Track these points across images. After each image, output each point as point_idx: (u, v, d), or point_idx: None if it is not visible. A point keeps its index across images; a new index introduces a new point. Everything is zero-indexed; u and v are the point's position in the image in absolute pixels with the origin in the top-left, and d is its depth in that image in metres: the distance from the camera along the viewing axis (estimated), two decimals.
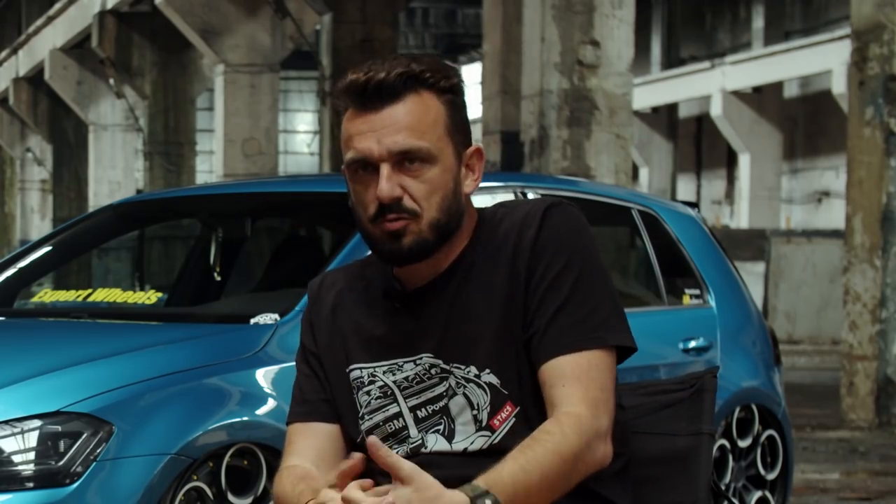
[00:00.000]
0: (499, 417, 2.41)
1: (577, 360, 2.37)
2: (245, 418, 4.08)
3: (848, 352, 11.36)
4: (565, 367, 2.37)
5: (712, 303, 5.78)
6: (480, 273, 2.44)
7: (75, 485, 3.75)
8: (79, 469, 3.76)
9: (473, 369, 2.41)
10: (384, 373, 2.47)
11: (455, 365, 2.42)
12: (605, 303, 2.41)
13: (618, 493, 2.47)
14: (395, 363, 2.46)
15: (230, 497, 4.05)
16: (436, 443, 2.44)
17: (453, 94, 2.43)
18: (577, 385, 2.36)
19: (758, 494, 5.77)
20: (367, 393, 2.48)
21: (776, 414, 5.84)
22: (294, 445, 2.53)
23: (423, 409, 2.44)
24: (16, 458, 3.74)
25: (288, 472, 2.48)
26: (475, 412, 2.42)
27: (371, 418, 2.47)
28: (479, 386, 2.41)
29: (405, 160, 2.37)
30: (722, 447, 5.62)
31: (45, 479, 3.74)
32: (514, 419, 2.41)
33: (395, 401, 2.46)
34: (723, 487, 5.53)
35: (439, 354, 2.43)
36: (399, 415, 2.46)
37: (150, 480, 3.85)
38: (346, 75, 2.42)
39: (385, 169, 2.37)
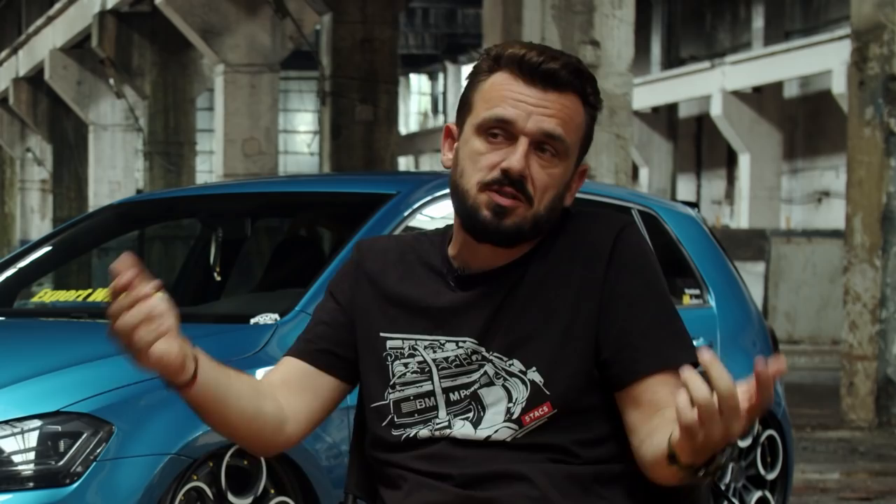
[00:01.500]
0: (531, 414, 2.40)
1: (673, 379, 2.35)
2: None
3: (848, 352, 11.36)
4: (665, 384, 2.36)
5: (712, 303, 5.78)
6: (543, 272, 2.43)
7: (75, 485, 3.75)
8: (79, 469, 3.76)
9: (518, 364, 2.40)
10: (425, 348, 2.45)
11: (496, 354, 2.41)
12: (681, 322, 2.45)
13: (620, 494, 2.47)
14: (437, 340, 2.44)
15: (230, 497, 4.05)
16: (462, 427, 2.43)
17: (594, 111, 2.47)
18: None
19: (758, 494, 5.78)
20: (405, 365, 2.46)
21: (776, 414, 5.84)
22: (272, 373, 2.52)
23: (455, 393, 2.43)
24: (16, 458, 3.74)
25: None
26: (510, 405, 2.41)
27: (402, 390, 2.45)
28: (523, 382, 2.41)
29: (543, 146, 2.38)
30: None
31: (45, 479, 3.74)
32: (546, 420, 2.40)
33: (431, 378, 2.44)
34: (723, 487, 5.54)
35: (483, 341, 2.42)
36: (431, 393, 2.44)
37: (150, 480, 3.85)
38: (512, 45, 2.41)
39: (524, 143, 2.36)
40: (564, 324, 2.41)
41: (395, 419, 2.46)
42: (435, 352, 2.45)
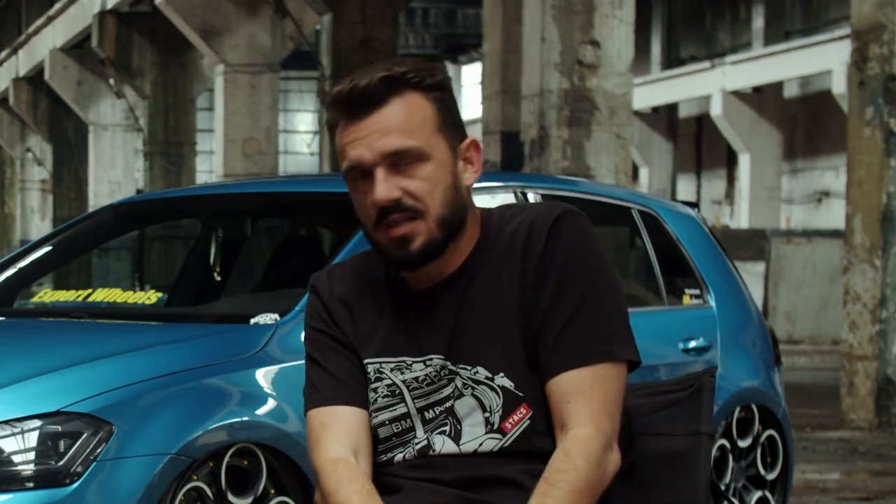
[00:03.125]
0: (511, 420, 2.40)
1: (582, 374, 2.37)
2: (245, 418, 4.08)
3: (848, 352, 11.36)
4: (570, 382, 2.37)
5: (712, 303, 5.78)
6: (489, 276, 2.43)
7: (75, 485, 3.75)
8: (79, 469, 3.76)
9: (482, 371, 2.40)
10: (392, 370, 2.45)
11: (462, 366, 2.41)
12: (613, 315, 2.41)
13: (619, 493, 2.47)
14: (403, 361, 2.44)
15: (230, 497, 4.05)
16: (443, 444, 2.43)
17: (440, 91, 2.42)
18: (581, 401, 2.36)
19: (758, 494, 5.77)
20: (374, 390, 2.46)
21: (776, 414, 5.84)
22: (331, 432, 2.45)
23: (430, 411, 2.43)
24: (16, 458, 3.74)
25: (346, 472, 2.40)
26: (487, 414, 2.41)
27: (377, 416, 2.45)
28: (492, 388, 2.40)
29: (399, 161, 2.37)
30: (722, 447, 5.62)
31: (45, 479, 3.74)
32: (527, 422, 2.40)
33: (403, 400, 2.44)
34: (723, 487, 5.53)
35: (448, 356, 2.42)
36: (406, 415, 2.44)
37: (150, 480, 3.85)
38: (332, 88, 2.42)
39: (380, 173, 2.37)
40: (514, 325, 2.40)
41: (378, 446, 2.46)
42: (403, 373, 2.44)
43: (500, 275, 2.42)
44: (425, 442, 2.43)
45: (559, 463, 2.33)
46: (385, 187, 2.36)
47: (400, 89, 2.38)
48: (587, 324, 2.38)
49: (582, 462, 2.32)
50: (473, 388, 2.41)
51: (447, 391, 2.42)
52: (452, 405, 2.42)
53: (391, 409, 2.45)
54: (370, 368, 2.46)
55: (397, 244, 2.38)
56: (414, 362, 2.44)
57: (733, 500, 5.65)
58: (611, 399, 2.37)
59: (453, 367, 2.42)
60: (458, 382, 2.41)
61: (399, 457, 2.44)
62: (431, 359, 2.43)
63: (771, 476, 5.83)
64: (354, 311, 2.50)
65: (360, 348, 2.48)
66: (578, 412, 2.35)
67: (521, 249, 2.41)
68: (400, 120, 2.37)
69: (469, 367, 2.41)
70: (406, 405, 2.44)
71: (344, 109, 2.39)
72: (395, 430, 2.45)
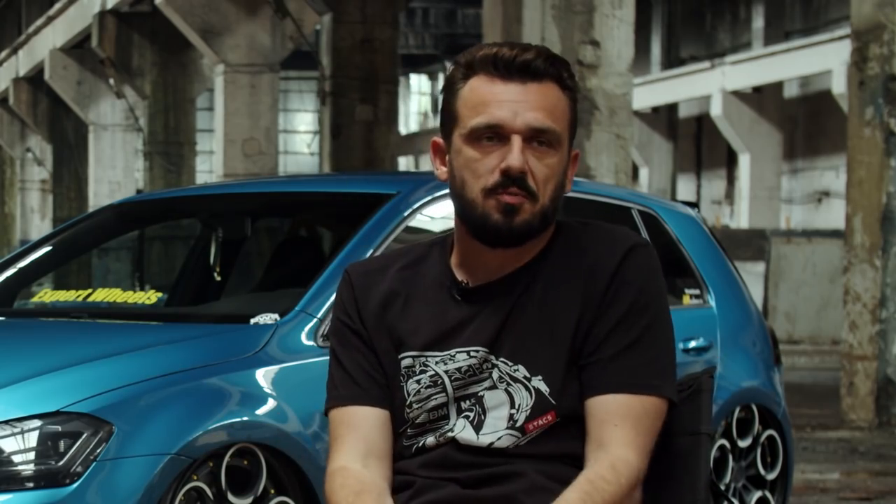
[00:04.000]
0: (536, 423, 2.40)
1: (631, 402, 2.39)
2: (245, 418, 4.08)
3: (848, 352, 11.36)
4: (620, 406, 2.39)
5: (712, 303, 5.78)
6: (552, 283, 2.44)
7: (75, 485, 3.75)
8: (79, 469, 3.76)
9: (522, 369, 2.41)
10: (437, 363, 2.45)
11: (503, 360, 2.42)
12: (667, 353, 2.44)
13: None
14: (448, 353, 2.44)
15: (230, 497, 4.05)
16: (463, 429, 2.43)
17: (575, 96, 2.46)
18: (629, 428, 2.38)
19: (758, 494, 5.78)
20: (418, 381, 2.46)
21: (776, 414, 5.84)
22: (342, 440, 2.46)
23: (466, 401, 2.44)
24: (16, 458, 3.74)
25: (341, 479, 2.42)
26: (513, 411, 2.41)
27: (420, 407, 2.46)
28: (527, 388, 2.41)
29: (535, 139, 2.38)
30: (722, 447, 5.62)
31: (45, 479, 3.74)
32: (548, 428, 2.41)
33: (444, 390, 2.44)
34: (723, 487, 5.53)
35: (493, 349, 2.42)
36: (445, 404, 2.45)
37: (150, 480, 3.85)
38: (480, 48, 2.41)
39: (518, 141, 2.36)
40: (567, 336, 2.41)
41: (409, 430, 2.47)
42: (446, 364, 2.45)
43: (565, 284, 2.43)
44: (451, 426, 2.43)
45: (605, 472, 2.35)
46: (522, 157, 2.36)
47: (553, 76, 2.40)
48: (645, 355, 2.41)
49: (625, 483, 2.36)
50: (509, 384, 2.41)
51: (486, 383, 2.43)
52: (482, 394, 2.42)
53: (433, 398, 2.45)
54: (416, 362, 2.46)
55: (505, 211, 2.37)
56: (458, 352, 2.44)
57: (733, 500, 5.65)
58: (652, 435, 2.42)
59: (494, 360, 2.42)
60: (496, 375, 2.42)
61: (431, 440, 2.44)
62: (477, 350, 2.43)
63: (771, 476, 5.83)
64: (402, 303, 2.49)
65: (405, 340, 2.47)
66: (625, 438, 2.38)
67: (590, 266, 2.43)
68: (551, 101, 2.39)
69: (510, 363, 2.41)
70: (446, 394, 2.44)
71: (502, 68, 2.38)
72: (432, 417, 2.46)
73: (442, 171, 2.47)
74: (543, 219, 2.40)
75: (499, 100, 2.38)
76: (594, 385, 2.40)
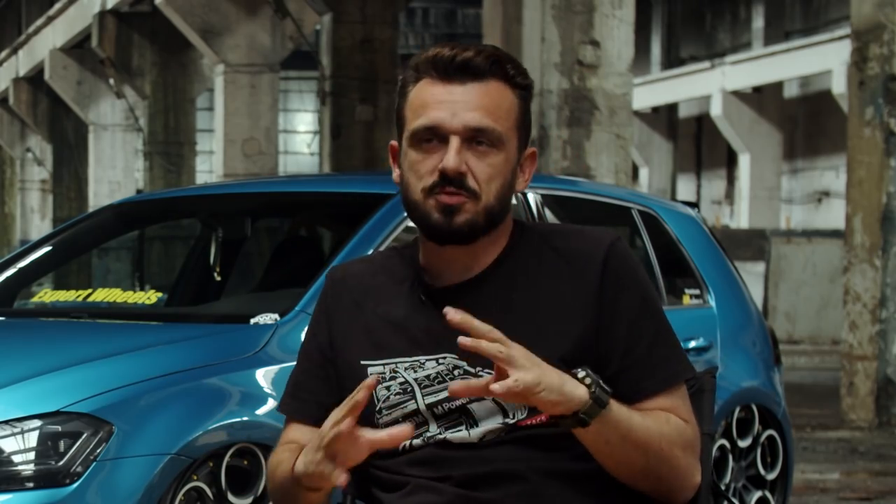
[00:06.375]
0: (531, 420, 2.40)
1: (677, 391, 2.44)
2: (245, 418, 4.09)
3: (848, 352, 11.36)
4: (674, 399, 2.44)
5: (712, 303, 5.78)
6: (527, 285, 2.43)
7: (75, 485, 3.75)
8: (79, 469, 3.76)
9: None
10: (405, 369, 2.44)
11: (486, 371, 2.37)
12: (672, 331, 2.49)
13: (619, 492, 2.47)
14: (417, 360, 2.43)
15: (230, 497, 4.05)
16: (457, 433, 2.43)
17: (526, 93, 2.46)
18: (685, 412, 2.44)
19: (758, 494, 5.78)
20: (387, 388, 2.45)
21: (776, 414, 5.84)
22: (280, 443, 2.53)
23: (440, 407, 2.43)
24: (16, 458, 3.74)
25: (286, 445, 2.49)
26: (507, 420, 2.40)
27: (389, 413, 2.45)
28: None
29: (475, 139, 2.38)
30: (722, 447, 5.62)
31: (45, 479, 3.74)
32: (542, 420, 2.41)
33: (414, 397, 2.43)
34: (723, 487, 5.53)
35: (464, 356, 2.40)
36: (417, 412, 2.44)
37: (150, 480, 3.85)
38: (427, 50, 2.43)
39: (455, 142, 2.37)
40: (557, 337, 2.40)
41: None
42: (416, 371, 2.44)
43: (536, 287, 2.42)
44: (441, 437, 2.42)
45: (676, 421, 2.41)
46: (458, 158, 2.37)
47: (498, 74, 2.40)
48: (668, 343, 2.46)
49: (692, 435, 2.41)
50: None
51: None
52: (466, 406, 2.41)
53: (402, 406, 2.44)
54: (385, 369, 2.45)
55: (444, 211, 2.38)
56: (427, 360, 2.43)
57: (733, 500, 5.65)
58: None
59: (470, 369, 2.40)
60: None
61: (417, 441, 2.43)
62: (445, 357, 2.42)
63: (771, 476, 5.83)
64: (366, 312, 2.50)
65: (374, 345, 2.47)
66: (685, 417, 2.44)
67: (568, 265, 2.43)
68: (492, 101, 2.39)
69: (493, 373, 2.34)
70: (416, 402, 2.43)
71: (439, 70, 2.40)
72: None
73: (396, 174, 2.48)
74: (489, 217, 2.40)
75: (438, 101, 2.39)
76: (642, 388, 2.42)
